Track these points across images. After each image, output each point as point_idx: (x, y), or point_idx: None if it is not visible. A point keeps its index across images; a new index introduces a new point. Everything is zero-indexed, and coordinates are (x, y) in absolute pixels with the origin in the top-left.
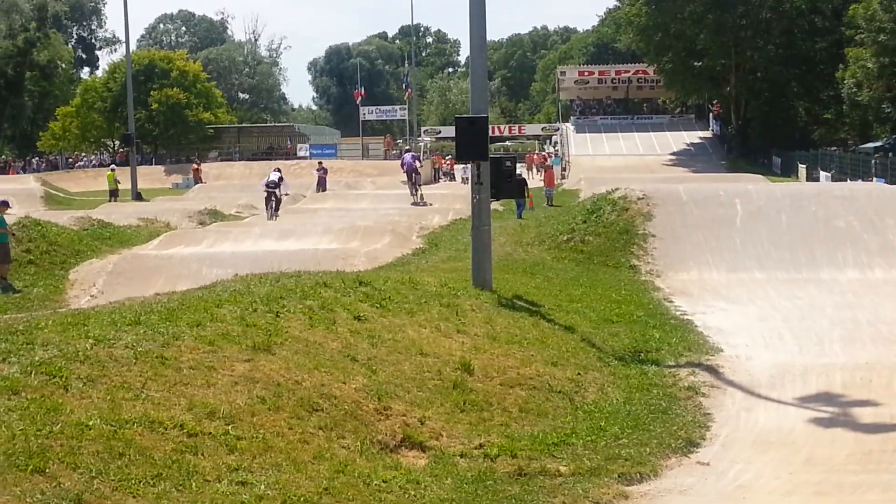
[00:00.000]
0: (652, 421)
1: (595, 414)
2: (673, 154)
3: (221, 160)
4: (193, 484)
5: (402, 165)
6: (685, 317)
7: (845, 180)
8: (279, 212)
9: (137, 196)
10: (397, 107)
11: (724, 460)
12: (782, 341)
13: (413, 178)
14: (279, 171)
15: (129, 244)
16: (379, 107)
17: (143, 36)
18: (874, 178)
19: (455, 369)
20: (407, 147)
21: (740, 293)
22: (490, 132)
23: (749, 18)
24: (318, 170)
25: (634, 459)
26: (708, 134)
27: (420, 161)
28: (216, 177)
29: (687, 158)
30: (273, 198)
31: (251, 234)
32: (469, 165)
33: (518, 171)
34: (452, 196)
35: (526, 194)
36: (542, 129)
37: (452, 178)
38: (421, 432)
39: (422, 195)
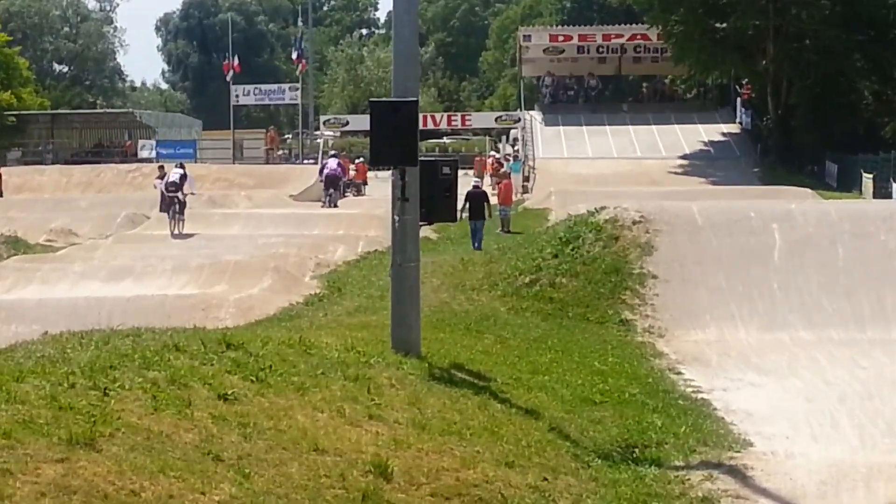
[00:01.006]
0: None
1: None
2: (684, 158)
3: (26, 163)
4: None
5: (321, 172)
6: (699, 395)
7: None
8: (184, 216)
9: None
10: (286, 86)
11: None
12: (838, 431)
13: (330, 195)
14: (183, 166)
15: None
16: (259, 86)
17: None
18: None
19: (365, 473)
20: (332, 151)
21: (778, 361)
22: (421, 124)
23: None
24: (158, 178)
25: None
26: (734, 128)
27: (346, 171)
28: (18, 187)
29: (704, 164)
30: (176, 203)
31: (68, 273)
32: (390, 172)
33: (476, 181)
34: (364, 217)
35: (487, 214)
36: (497, 121)
37: (359, 190)
38: None
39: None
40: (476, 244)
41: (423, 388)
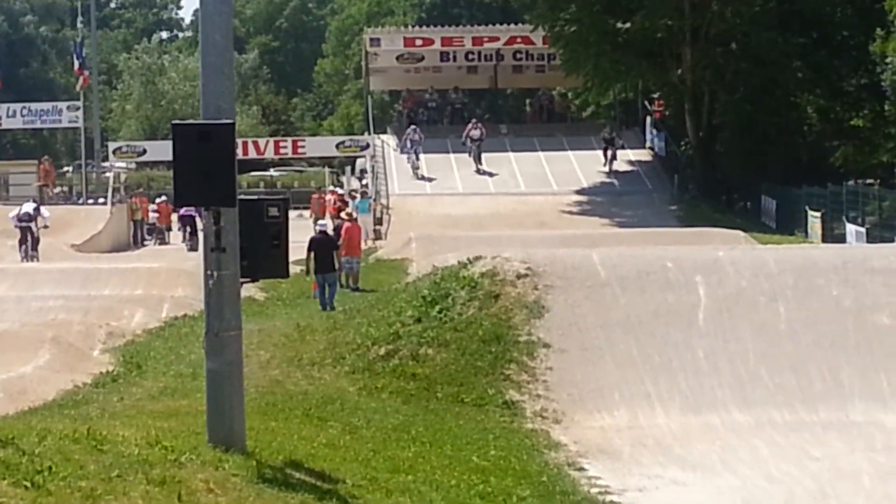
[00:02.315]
0: None
1: None
2: (581, 193)
3: None
4: None
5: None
6: (607, 498)
7: (893, 240)
8: (38, 252)
9: None
10: (63, 105)
11: None
12: None
13: (188, 236)
14: (35, 200)
15: None
16: (28, 105)
17: None
18: None
19: None
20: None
21: (708, 451)
22: (241, 152)
23: None
24: None
25: None
26: (645, 155)
27: (201, 214)
28: None
29: (607, 201)
30: (29, 235)
31: None
32: (201, 215)
33: (323, 224)
34: (168, 273)
35: (336, 265)
36: (339, 147)
37: (162, 237)
38: None
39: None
40: (326, 304)
41: (251, 493)
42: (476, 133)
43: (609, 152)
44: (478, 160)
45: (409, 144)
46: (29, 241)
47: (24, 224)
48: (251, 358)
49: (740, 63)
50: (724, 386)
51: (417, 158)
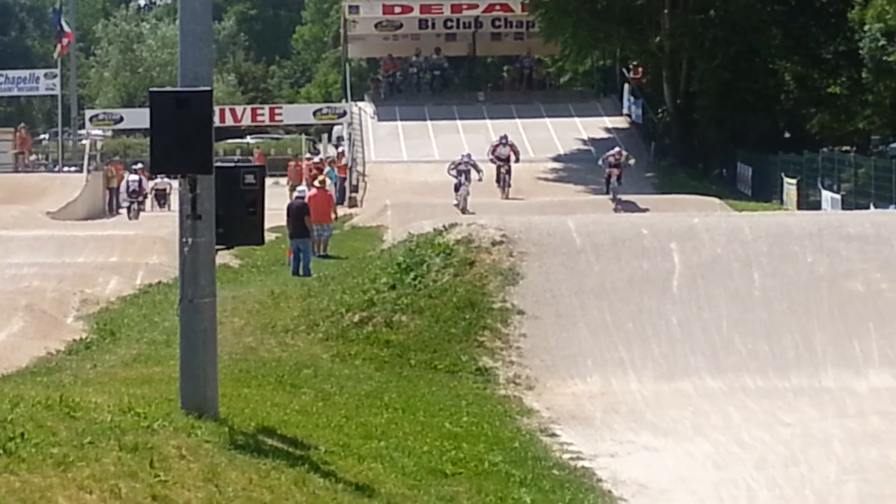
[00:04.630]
0: None
1: None
2: (558, 160)
3: None
4: None
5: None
6: (580, 463)
7: (868, 207)
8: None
9: None
10: (40, 72)
11: None
12: None
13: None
14: (137, 172)
15: None
16: (5, 72)
17: None
18: None
19: None
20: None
21: (680, 417)
22: (218, 119)
23: None
24: None
25: None
26: (622, 122)
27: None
28: None
29: (583, 168)
30: (136, 205)
31: None
32: (179, 182)
33: (301, 191)
34: (143, 240)
35: (310, 232)
36: (316, 115)
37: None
38: None
39: None
40: (297, 270)
41: (223, 459)
42: (504, 152)
43: (613, 177)
44: (504, 186)
45: (459, 176)
46: (134, 210)
47: (130, 200)
48: (225, 325)
49: (718, 30)
50: (697, 352)
51: (468, 194)
